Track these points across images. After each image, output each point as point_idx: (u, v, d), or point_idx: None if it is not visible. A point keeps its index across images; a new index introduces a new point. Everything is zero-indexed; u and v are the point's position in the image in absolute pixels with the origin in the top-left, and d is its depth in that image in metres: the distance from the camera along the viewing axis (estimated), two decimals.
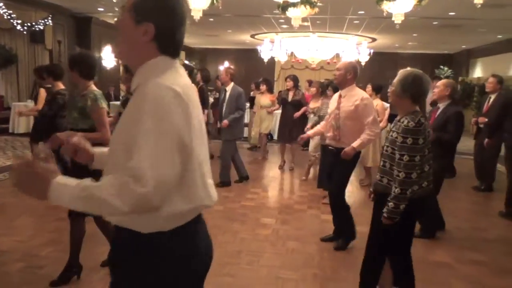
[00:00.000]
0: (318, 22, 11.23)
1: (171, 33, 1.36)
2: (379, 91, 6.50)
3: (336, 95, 4.14)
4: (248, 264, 3.64)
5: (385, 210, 2.63)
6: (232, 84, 6.10)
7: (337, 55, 13.75)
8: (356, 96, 3.90)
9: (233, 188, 6.02)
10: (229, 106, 6.02)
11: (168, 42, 1.37)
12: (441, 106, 4.37)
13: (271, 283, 3.32)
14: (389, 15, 6.30)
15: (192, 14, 6.28)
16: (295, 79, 7.38)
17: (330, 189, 4.19)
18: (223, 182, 6.03)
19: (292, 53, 13.92)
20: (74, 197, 1.20)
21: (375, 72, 16.46)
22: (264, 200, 5.62)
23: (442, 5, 8.59)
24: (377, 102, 6.05)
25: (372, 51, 13.63)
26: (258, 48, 13.35)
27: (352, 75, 3.93)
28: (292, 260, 3.77)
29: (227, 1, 8.32)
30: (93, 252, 3.48)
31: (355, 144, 3.78)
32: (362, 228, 3.89)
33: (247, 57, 16.29)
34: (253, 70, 15.96)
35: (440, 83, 4.47)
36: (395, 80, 2.75)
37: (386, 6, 6.05)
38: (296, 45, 13.41)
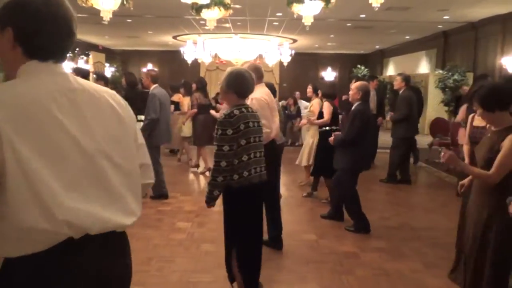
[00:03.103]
0: (238, 23, 11.36)
1: (33, 35, 1.27)
2: (319, 91, 6.64)
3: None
4: (158, 270, 3.59)
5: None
6: (154, 86, 5.80)
7: (260, 56, 13.99)
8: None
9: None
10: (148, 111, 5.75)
11: (33, 46, 1.28)
12: (354, 107, 4.67)
13: None
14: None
15: (101, 15, 6.08)
16: (199, 82, 7.52)
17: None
18: (156, 195, 5.65)
19: (216, 54, 13.95)
20: None
21: (298, 72, 16.99)
22: (182, 204, 5.55)
23: (354, 8, 9.05)
24: (314, 101, 6.33)
25: (293, 51, 14.02)
26: (181, 49, 13.21)
27: (255, 75, 4.03)
28: (205, 263, 3.78)
29: (145, 2, 8.16)
30: None
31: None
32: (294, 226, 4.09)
33: (170, 58, 16.04)
34: (177, 71, 15.75)
35: (353, 86, 4.74)
36: (222, 77, 2.97)
37: (296, 9, 6.26)
38: (219, 46, 13.45)
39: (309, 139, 6.28)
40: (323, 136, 5.48)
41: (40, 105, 1.21)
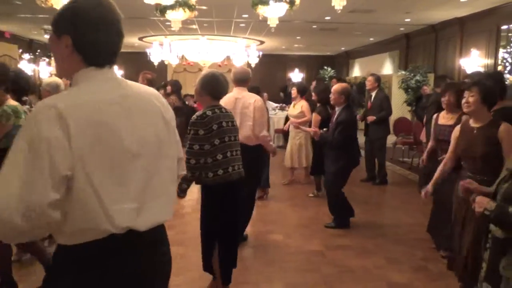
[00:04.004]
0: (205, 25, 11.31)
1: (91, 42, 1.35)
2: (304, 93, 6.73)
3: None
4: None
5: None
6: None
7: (228, 58, 13.97)
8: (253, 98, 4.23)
9: None
10: None
11: (91, 52, 1.36)
12: (337, 110, 4.71)
13: None
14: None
15: None
16: (174, 85, 7.42)
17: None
18: None
19: (183, 56, 13.83)
20: None
21: (266, 74, 17.07)
22: None
23: (319, 10, 9.17)
24: (302, 103, 6.38)
25: (261, 53, 14.07)
26: (147, 51, 13.03)
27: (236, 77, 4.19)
28: (175, 266, 3.72)
29: None
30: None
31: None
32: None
33: (136, 60, 15.76)
34: None
35: (334, 90, 4.74)
36: (197, 80, 3.06)
37: (261, 10, 6.29)
38: (186, 48, 13.35)
39: (302, 140, 6.47)
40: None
41: (101, 114, 1.29)
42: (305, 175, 6.84)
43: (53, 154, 1.19)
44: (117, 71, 16.47)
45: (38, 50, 13.06)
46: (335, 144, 4.60)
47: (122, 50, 1.47)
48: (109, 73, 1.39)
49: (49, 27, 1.42)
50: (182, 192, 3.23)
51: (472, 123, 2.95)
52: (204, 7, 8.55)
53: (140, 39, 14.04)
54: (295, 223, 4.98)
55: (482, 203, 1.72)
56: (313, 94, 6.26)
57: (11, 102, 3.08)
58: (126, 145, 1.32)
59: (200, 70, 16.01)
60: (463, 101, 3.00)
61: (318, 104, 5.87)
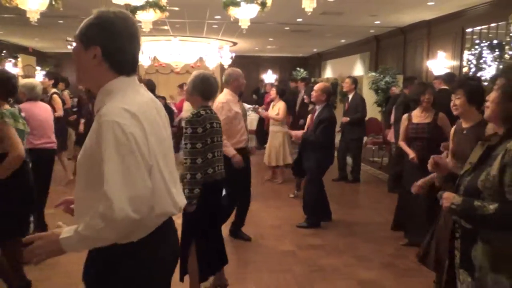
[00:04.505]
0: (177, 26, 11.22)
1: (119, 53, 1.45)
2: (283, 94, 6.99)
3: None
4: None
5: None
6: None
7: (201, 59, 13.91)
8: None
9: None
10: None
11: (119, 62, 1.46)
12: (318, 108, 4.78)
13: None
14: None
15: (28, 16, 5.78)
16: (147, 84, 7.30)
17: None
18: None
19: (155, 57, 13.68)
20: (78, 243, 1.33)
21: None
22: None
23: (290, 12, 9.24)
24: (280, 105, 6.70)
25: (234, 54, 14.08)
26: None
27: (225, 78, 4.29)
28: None
29: (77, 3, 7.83)
30: None
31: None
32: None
33: None
34: None
35: (317, 87, 4.84)
36: (188, 80, 3.12)
37: (232, 12, 6.30)
38: (158, 49, 13.20)
39: (279, 139, 6.68)
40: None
41: (152, 114, 1.49)
42: (280, 173, 7.06)
43: (141, 147, 1.34)
44: None
45: (4, 51, 12.66)
46: (318, 143, 4.68)
47: None
48: (137, 80, 1.54)
49: (72, 39, 1.47)
50: (194, 199, 2.88)
51: (463, 123, 3.08)
52: (176, 8, 8.49)
53: None
54: (268, 224, 5.01)
55: (449, 198, 1.77)
56: (305, 97, 6.49)
57: (6, 106, 3.04)
58: (166, 138, 1.56)
59: (172, 71, 15.88)
60: (451, 103, 3.13)
61: (310, 106, 6.04)
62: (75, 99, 8.35)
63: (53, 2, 5.71)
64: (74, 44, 1.53)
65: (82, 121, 7.27)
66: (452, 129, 3.23)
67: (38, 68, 15.57)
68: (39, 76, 14.67)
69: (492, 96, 1.79)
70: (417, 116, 4.14)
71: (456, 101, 3.05)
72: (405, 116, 4.29)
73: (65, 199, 1.72)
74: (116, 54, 1.44)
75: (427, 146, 3.92)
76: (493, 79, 1.83)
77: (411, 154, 4.14)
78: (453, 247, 1.90)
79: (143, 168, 1.33)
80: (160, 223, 1.50)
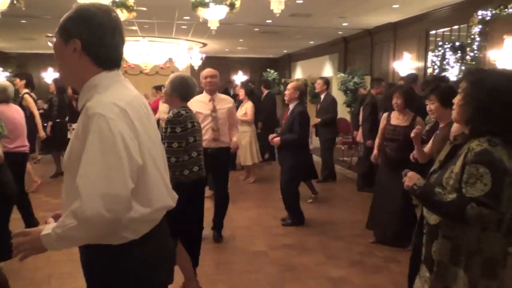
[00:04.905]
0: (146, 26, 11.08)
1: (101, 46, 1.39)
2: (251, 95, 7.18)
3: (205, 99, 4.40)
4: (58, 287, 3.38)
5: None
6: None
7: (170, 60, 13.77)
8: (226, 99, 4.46)
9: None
10: None
11: (101, 56, 1.40)
12: (291, 106, 4.84)
13: None
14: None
15: None
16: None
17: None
18: None
19: (123, 58, 13.43)
20: (56, 241, 1.28)
21: None
22: None
23: (260, 13, 9.28)
24: (247, 105, 6.89)
25: (204, 55, 14.01)
26: None
27: (220, 81, 4.49)
28: None
29: (41, 2, 7.61)
30: None
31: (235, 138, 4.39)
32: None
33: None
34: None
35: (290, 86, 4.93)
36: (167, 82, 3.20)
37: (201, 13, 6.27)
38: (127, 50, 12.96)
39: (247, 139, 6.84)
40: None
41: (141, 110, 1.46)
42: (252, 173, 7.21)
43: (128, 146, 1.29)
44: (53, 73, 15.71)
45: None
46: (302, 139, 4.76)
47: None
48: (121, 75, 1.49)
49: (52, 34, 1.43)
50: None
51: (440, 124, 3.23)
52: (144, 8, 8.37)
53: None
54: (240, 225, 5.01)
55: (412, 178, 1.81)
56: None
57: None
58: (155, 134, 1.54)
59: (141, 72, 15.65)
60: (427, 108, 3.29)
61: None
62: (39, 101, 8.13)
63: (15, 1, 5.54)
64: (54, 39, 1.48)
65: (50, 123, 7.08)
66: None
67: (0, 69, 15.02)
68: (1, 77, 14.17)
69: (456, 99, 1.84)
70: (395, 118, 4.23)
71: (431, 106, 3.22)
72: (385, 115, 4.39)
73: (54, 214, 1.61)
74: (97, 48, 1.39)
75: (402, 148, 3.99)
76: (458, 82, 1.90)
77: (375, 151, 4.41)
78: (419, 242, 1.94)
79: (126, 168, 1.27)
80: (160, 217, 1.52)
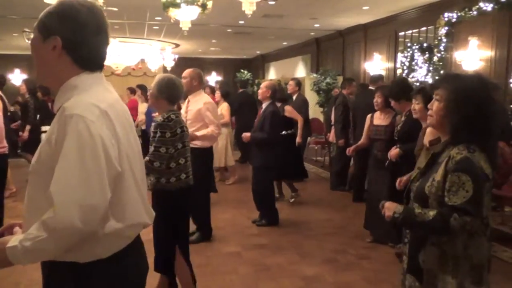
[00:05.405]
0: (116, 27, 10.89)
1: (83, 45, 1.30)
2: (227, 96, 7.24)
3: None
4: None
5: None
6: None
7: (143, 61, 13.59)
8: (199, 101, 4.25)
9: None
10: None
11: (83, 55, 1.31)
12: (264, 105, 4.86)
13: None
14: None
15: None
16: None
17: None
18: None
19: None
20: (23, 255, 1.16)
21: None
22: None
23: (232, 14, 9.27)
24: (223, 106, 6.94)
25: (177, 56, 13.89)
26: None
27: (197, 81, 4.24)
28: None
29: (6, 1, 7.39)
30: None
31: (200, 133, 4.11)
32: None
33: None
34: None
35: (263, 85, 4.97)
36: (153, 84, 3.02)
37: (172, 13, 6.22)
38: None
39: (223, 141, 6.75)
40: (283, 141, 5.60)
41: (123, 115, 1.36)
42: (231, 174, 7.24)
43: (108, 151, 1.20)
44: (20, 75, 15.25)
45: None
46: (273, 138, 4.75)
47: (24, 52, 1.43)
48: (104, 78, 1.40)
49: (29, 30, 1.36)
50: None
51: (424, 124, 3.31)
52: (114, 9, 8.24)
53: None
54: (214, 226, 4.97)
55: (390, 208, 1.82)
56: None
57: None
58: (136, 142, 1.43)
59: (112, 73, 15.39)
60: (412, 107, 3.38)
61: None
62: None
63: None
64: (32, 35, 1.36)
65: (28, 127, 6.88)
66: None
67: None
68: None
69: (435, 107, 1.84)
70: (377, 117, 4.34)
71: (416, 106, 3.31)
72: (369, 116, 4.48)
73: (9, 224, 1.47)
74: (79, 46, 1.29)
75: (387, 147, 4.07)
76: (434, 87, 1.89)
77: (353, 147, 4.62)
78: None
79: (104, 175, 1.17)
80: (133, 236, 1.36)
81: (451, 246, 1.74)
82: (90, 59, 1.33)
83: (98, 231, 1.21)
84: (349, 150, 4.62)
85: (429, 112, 1.88)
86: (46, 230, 1.13)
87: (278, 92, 5.70)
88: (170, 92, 2.98)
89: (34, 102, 7.15)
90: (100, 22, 1.34)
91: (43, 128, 6.83)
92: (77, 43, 1.29)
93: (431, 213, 1.70)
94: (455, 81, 1.83)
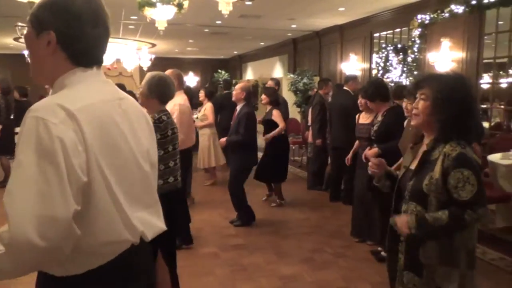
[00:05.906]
0: None
1: (78, 39, 1.19)
2: (211, 96, 7.10)
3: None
4: None
5: None
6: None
7: (118, 60, 13.40)
8: (172, 101, 4.10)
9: None
10: None
11: (79, 49, 1.19)
12: (238, 107, 4.84)
13: None
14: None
15: None
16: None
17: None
18: None
19: None
20: None
21: None
22: None
23: (209, 14, 9.22)
24: (206, 106, 6.86)
25: (153, 56, 13.76)
26: (25, 52, 11.92)
27: (177, 82, 4.14)
28: None
29: None
30: None
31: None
32: None
33: (13, 62, 14.40)
34: (23, 76, 14.10)
35: (237, 86, 4.94)
36: (143, 82, 2.93)
37: (148, 12, 6.14)
38: None
39: (205, 142, 6.73)
40: (273, 143, 5.57)
41: (111, 116, 1.20)
42: (211, 175, 7.21)
43: (69, 158, 1.04)
44: None
45: None
46: (246, 140, 4.72)
47: None
48: (102, 75, 1.27)
49: (23, 24, 1.25)
50: None
51: (411, 122, 3.36)
52: None
53: (16, 39, 12.80)
54: (191, 227, 4.93)
55: (403, 224, 1.81)
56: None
57: None
58: (132, 149, 1.25)
59: None
60: (403, 105, 3.50)
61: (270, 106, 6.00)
62: None
63: None
64: (25, 31, 1.25)
65: None
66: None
67: None
68: None
69: (421, 106, 1.87)
70: (362, 117, 4.43)
71: (408, 106, 3.37)
72: (357, 116, 4.54)
73: None
74: (75, 40, 1.18)
75: (369, 145, 4.11)
76: (417, 87, 1.91)
77: (348, 158, 4.73)
78: (394, 250, 1.94)
79: (66, 184, 1.02)
80: (112, 254, 1.19)
81: (450, 238, 1.80)
82: (86, 54, 1.22)
83: (63, 248, 1.04)
84: (348, 160, 4.71)
85: (415, 112, 1.91)
86: (2, 246, 1.01)
87: (272, 96, 5.70)
88: (161, 91, 2.88)
89: (5, 102, 6.96)
90: (97, 13, 1.22)
91: (17, 129, 6.66)
92: (73, 37, 1.19)
93: (443, 216, 1.74)
94: (440, 80, 1.89)
